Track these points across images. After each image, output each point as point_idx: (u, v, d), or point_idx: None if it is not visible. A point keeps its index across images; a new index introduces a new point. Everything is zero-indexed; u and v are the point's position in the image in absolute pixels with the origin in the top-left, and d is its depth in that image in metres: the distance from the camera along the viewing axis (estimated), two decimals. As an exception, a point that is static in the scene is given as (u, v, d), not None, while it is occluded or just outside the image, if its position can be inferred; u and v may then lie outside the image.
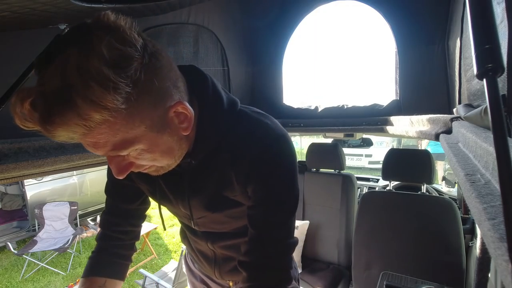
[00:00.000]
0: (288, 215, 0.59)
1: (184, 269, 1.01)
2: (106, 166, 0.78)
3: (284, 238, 0.58)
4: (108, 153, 0.45)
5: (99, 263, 0.72)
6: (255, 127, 0.58)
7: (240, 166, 0.57)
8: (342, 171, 2.12)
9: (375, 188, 2.83)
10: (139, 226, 0.79)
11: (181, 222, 0.80)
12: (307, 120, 1.62)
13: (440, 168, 5.85)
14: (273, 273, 0.58)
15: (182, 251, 2.28)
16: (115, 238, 0.73)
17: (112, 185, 0.74)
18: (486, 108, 0.54)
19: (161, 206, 0.72)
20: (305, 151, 2.36)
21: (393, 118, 1.35)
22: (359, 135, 2.31)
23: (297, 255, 2.10)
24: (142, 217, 0.79)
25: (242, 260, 0.60)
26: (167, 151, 0.50)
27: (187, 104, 0.49)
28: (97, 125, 0.39)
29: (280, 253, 0.59)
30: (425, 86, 1.35)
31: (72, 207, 4.11)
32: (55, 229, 3.98)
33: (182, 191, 0.64)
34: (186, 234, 0.82)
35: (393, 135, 1.54)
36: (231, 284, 0.87)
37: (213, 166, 0.59)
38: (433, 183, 1.97)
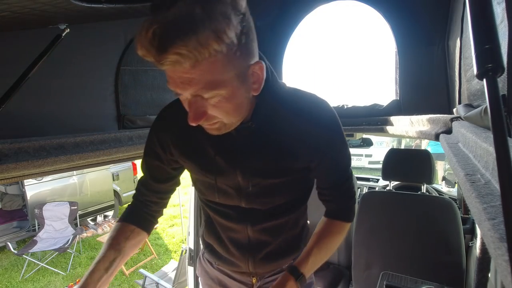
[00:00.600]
0: (350, 165, 0.77)
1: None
2: (106, 166, 0.79)
3: (351, 179, 0.77)
4: (196, 92, 0.49)
5: (132, 214, 0.81)
6: (309, 98, 0.67)
7: (309, 134, 0.65)
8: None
9: (375, 188, 2.82)
10: (167, 199, 0.84)
11: (215, 212, 0.80)
12: (307, 120, 1.62)
13: (440, 168, 5.85)
14: (352, 198, 0.80)
15: (182, 251, 2.28)
16: (144, 204, 0.81)
17: (145, 163, 0.79)
18: (486, 108, 0.54)
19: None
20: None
21: (393, 118, 1.35)
22: (359, 135, 2.31)
23: (297, 255, 2.10)
24: (170, 192, 0.84)
25: (327, 197, 0.79)
26: (238, 106, 0.56)
27: (264, 65, 0.55)
28: (207, 56, 0.44)
29: (352, 187, 0.79)
30: (425, 86, 1.35)
31: (72, 207, 4.11)
32: (55, 229, 3.98)
33: (240, 156, 0.67)
34: (217, 226, 0.82)
35: (393, 135, 1.54)
36: (254, 281, 0.87)
37: (273, 132, 0.65)
38: (433, 183, 1.97)
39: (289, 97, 0.66)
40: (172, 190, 0.84)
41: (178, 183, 0.84)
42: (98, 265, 0.70)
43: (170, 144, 0.73)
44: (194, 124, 0.53)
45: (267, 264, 0.82)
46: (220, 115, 0.55)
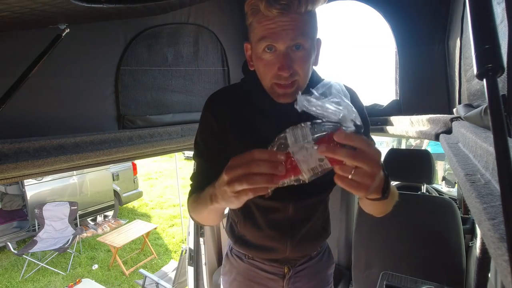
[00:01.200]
0: None
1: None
2: (106, 166, 0.78)
3: None
4: (294, 38, 0.60)
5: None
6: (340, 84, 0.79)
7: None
8: (342, 171, 2.12)
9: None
10: None
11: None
12: (307, 120, 1.62)
13: (440, 168, 5.85)
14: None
15: (182, 251, 2.28)
16: None
17: (206, 146, 0.78)
18: (486, 108, 0.54)
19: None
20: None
21: (393, 118, 1.35)
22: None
23: (297, 255, 2.10)
24: None
25: None
26: (310, 68, 0.66)
27: (321, 42, 0.68)
28: (313, 11, 0.61)
29: None
30: (425, 86, 1.35)
31: (72, 207, 4.11)
32: (55, 229, 3.98)
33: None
34: (255, 210, 0.82)
35: (393, 135, 1.54)
36: (286, 270, 0.88)
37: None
38: (433, 183, 1.97)
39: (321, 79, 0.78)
40: None
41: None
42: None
43: (226, 121, 0.75)
44: (286, 75, 0.62)
45: (302, 246, 0.86)
46: (301, 70, 0.64)
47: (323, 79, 0.78)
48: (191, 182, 0.80)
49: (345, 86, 0.68)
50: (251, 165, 0.45)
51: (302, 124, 0.48)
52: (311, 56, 0.65)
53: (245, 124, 0.75)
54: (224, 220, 1.27)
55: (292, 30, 0.59)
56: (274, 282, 0.90)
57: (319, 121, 0.48)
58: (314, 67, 0.73)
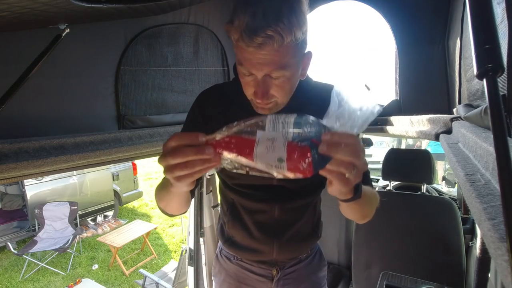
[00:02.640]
0: None
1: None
2: (106, 166, 0.78)
3: None
4: (270, 71, 0.59)
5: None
6: (330, 87, 0.75)
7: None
8: (342, 171, 2.12)
9: (375, 188, 2.82)
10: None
11: (242, 196, 0.81)
12: (307, 120, 1.62)
13: (440, 168, 5.85)
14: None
15: (182, 251, 2.28)
16: None
17: None
18: (486, 108, 0.54)
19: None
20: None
21: (393, 118, 1.35)
22: (359, 135, 2.31)
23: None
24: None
25: None
26: (292, 87, 0.66)
27: (312, 55, 0.66)
28: (289, 42, 0.55)
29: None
30: (425, 86, 1.35)
31: (72, 207, 4.11)
32: (55, 229, 3.98)
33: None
34: (242, 211, 0.83)
35: (393, 135, 1.54)
36: (274, 272, 0.88)
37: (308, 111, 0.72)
38: (433, 183, 1.97)
39: (315, 85, 0.78)
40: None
41: None
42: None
43: (214, 118, 0.76)
44: (260, 101, 0.63)
45: (290, 248, 0.85)
46: (278, 94, 0.64)
47: (317, 83, 0.78)
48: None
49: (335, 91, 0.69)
50: (176, 153, 0.44)
51: (289, 114, 0.45)
52: (292, 79, 0.64)
53: (231, 122, 0.74)
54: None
55: (267, 65, 0.58)
56: (263, 284, 0.90)
57: (308, 117, 0.44)
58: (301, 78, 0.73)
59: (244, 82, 0.65)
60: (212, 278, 1.01)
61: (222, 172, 0.85)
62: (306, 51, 0.64)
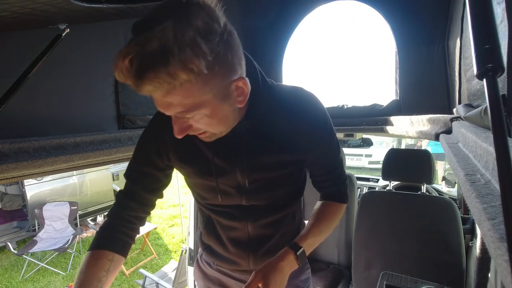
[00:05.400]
0: (339, 151, 0.81)
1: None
2: (106, 166, 0.79)
3: (342, 163, 0.84)
4: (176, 114, 0.53)
5: (109, 239, 0.72)
6: (299, 93, 0.71)
7: (304, 126, 0.69)
8: (342, 171, 2.12)
9: (375, 188, 2.82)
10: (149, 214, 0.80)
11: (214, 213, 0.80)
12: (307, 120, 1.62)
13: (440, 168, 5.85)
14: (345, 181, 0.85)
15: (182, 251, 2.28)
16: (127, 220, 0.74)
17: (136, 172, 0.75)
18: (486, 108, 0.54)
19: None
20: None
21: (393, 118, 1.35)
22: (359, 135, 2.31)
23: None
24: (154, 206, 0.80)
25: (323, 183, 0.83)
26: (223, 119, 0.59)
27: (247, 80, 0.57)
28: (179, 85, 0.46)
29: (344, 172, 0.85)
30: (425, 86, 1.35)
31: (72, 207, 4.11)
32: (55, 229, 3.98)
33: (238, 155, 0.69)
34: (217, 226, 0.83)
35: (393, 135, 1.54)
36: None
37: (269, 128, 0.68)
38: (433, 183, 1.97)
39: (281, 93, 0.70)
40: (155, 204, 0.80)
41: (162, 195, 0.81)
42: None
43: (168, 149, 0.72)
44: (179, 137, 0.56)
45: (266, 261, 0.82)
46: (205, 128, 0.58)
47: (284, 86, 0.73)
48: (116, 201, 0.76)
49: (295, 105, 0.68)
50: None
51: None
52: (216, 113, 0.55)
53: (186, 149, 0.71)
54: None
55: (170, 109, 0.51)
56: None
57: None
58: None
59: None
60: (195, 281, 1.00)
61: (193, 189, 0.82)
62: (235, 76, 0.54)
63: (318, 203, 0.86)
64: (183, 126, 0.56)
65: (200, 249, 0.95)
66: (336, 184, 0.84)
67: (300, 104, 0.70)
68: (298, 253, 0.73)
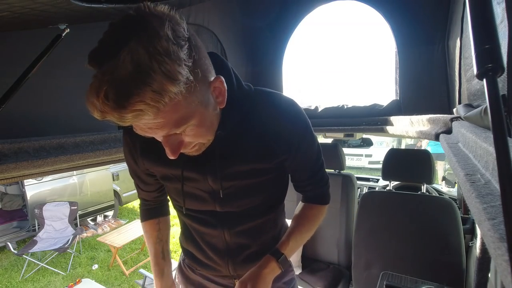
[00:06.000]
0: (321, 154, 0.80)
1: (177, 280, 0.97)
2: (106, 166, 0.79)
3: (323, 166, 0.82)
4: (167, 133, 0.50)
5: (148, 211, 0.90)
6: (275, 97, 0.69)
7: (280, 131, 0.66)
8: (342, 171, 2.12)
9: (375, 188, 2.82)
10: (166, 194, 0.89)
11: (189, 218, 0.79)
12: (307, 120, 1.62)
13: (440, 168, 5.86)
14: (327, 183, 0.84)
15: (182, 251, 2.27)
16: (151, 199, 0.90)
17: (131, 171, 0.83)
18: (486, 108, 0.54)
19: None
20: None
21: (393, 118, 1.35)
22: (359, 135, 2.31)
23: (297, 255, 2.10)
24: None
25: (305, 187, 0.82)
26: (210, 126, 0.57)
27: (222, 78, 0.54)
28: (168, 100, 0.43)
29: (326, 174, 0.83)
30: (425, 86, 1.35)
31: (72, 207, 4.11)
32: (55, 229, 3.98)
33: (209, 162, 0.67)
34: (193, 232, 0.82)
35: (393, 135, 1.54)
36: (235, 282, 0.85)
37: (243, 135, 0.66)
38: (433, 183, 1.97)
39: (256, 98, 0.68)
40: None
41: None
42: (157, 261, 0.88)
43: (139, 155, 0.73)
44: (174, 157, 0.54)
45: (247, 267, 0.80)
46: (196, 139, 0.56)
47: (258, 94, 0.70)
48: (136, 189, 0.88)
49: (272, 111, 0.66)
50: None
51: None
52: (204, 121, 0.54)
53: (156, 151, 0.68)
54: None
55: (157, 129, 0.48)
56: None
57: None
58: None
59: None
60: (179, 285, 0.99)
61: (169, 195, 0.82)
62: (211, 78, 0.53)
63: (300, 205, 0.86)
64: (175, 144, 0.53)
65: (182, 253, 0.95)
66: (318, 187, 0.82)
67: (279, 109, 0.67)
68: (279, 260, 0.73)
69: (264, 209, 0.77)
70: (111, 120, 0.43)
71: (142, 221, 0.91)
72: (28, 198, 4.09)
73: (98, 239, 3.93)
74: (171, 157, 0.53)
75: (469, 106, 0.79)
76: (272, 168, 0.70)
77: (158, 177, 0.77)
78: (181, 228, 0.88)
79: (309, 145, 0.73)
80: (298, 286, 1.02)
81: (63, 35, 0.79)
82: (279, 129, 0.66)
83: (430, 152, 1.74)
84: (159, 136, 0.51)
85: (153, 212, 0.90)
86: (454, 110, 1.06)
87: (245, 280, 0.70)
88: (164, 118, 0.46)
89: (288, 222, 0.87)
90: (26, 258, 3.56)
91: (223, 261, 0.80)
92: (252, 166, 0.68)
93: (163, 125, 0.47)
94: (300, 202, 0.87)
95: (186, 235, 0.85)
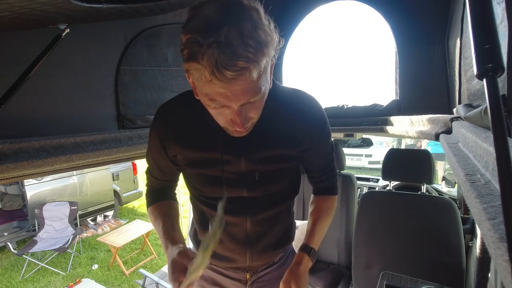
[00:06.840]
0: (334, 148, 0.87)
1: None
2: (106, 166, 0.79)
3: (334, 159, 0.90)
4: (248, 100, 0.54)
5: (154, 196, 0.88)
6: (299, 93, 0.76)
7: (304, 122, 0.73)
8: (342, 171, 2.12)
9: (375, 188, 2.82)
10: (178, 176, 0.89)
11: (212, 207, 0.79)
12: (307, 120, 1.62)
13: (440, 168, 5.86)
14: (336, 175, 0.92)
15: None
16: (159, 186, 0.89)
17: (152, 161, 0.83)
18: (486, 108, 0.54)
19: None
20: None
21: (393, 118, 1.35)
22: (359, 135, 2.31)
23: (297, 255, 2.10)
24: (179, 173, 0.88)
25: (319, 178, 0.89)
26: (263, 103, 0.61)
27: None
28: (266, 66, 0.52)
29: (335, 167, 0.91)
30: (425, 86, 1.35)
31: (72, 207, 4.11)
32: (55, 229, 3.98)
33: (242, 146, 0.71)
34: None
35: (393, 135, 1.54)
36: (248, 276, 0.88)
37: (272, 122, 0.71)
38: (433, 183, 1.97)
39: (283, 94, 0.74)
40: (179, 171, 0.87)
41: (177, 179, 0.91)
42: (167, 231, 0.78)
43: (172, 140, 0.74)
44: (243, 130, 0.60)
45: (263, 256, 0.85)
46: (255, 114, 0.61)
47: (284, 88, 0.77)
48: (146, 176, 0.88)
49: (298, 105, 0.73)
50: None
51: None
52: (265, 94, 0.59)
53: (191, 136, 0.72)
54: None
55: (244, 95, 0.53)
56: (237, 287, 0.90)
57: None
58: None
59: (215, 113, 0.59)
60: None
61: (190, 182, 0.83)
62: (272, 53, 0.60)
63: (314, 200, 0.93)
64: (247, 117, 0.58)
65: (193, 247, 0.95)
66: (329, 178, 0.90)
67: (302, 105, 0.74)
68: (311, 254, 0.83)
69: (283, 197, 0.83)
70: (212, 80, 0.49)
71: (149, 205, 0.87)
72: (28, 198, 4.09)
73: (98, 239, 3.93)
74: (241, 129, 0.58)
75: (469, 106, 0.79)
76: (295, 156, 0.77)
77: (187, 163, 0.77)
78: (197, 220, 0.87)
79: (327, 140, 0.81)
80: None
81: (63, 35, 0.79)
82: (301, 123, 0.73)
83: (430, 152, 1.74)
84: (236, 105, 0.55)
85: (161, 196, 0.88)
86: (454, 110, 1.06)
87: (287, 279, 0.77)
88: (258, 81, 0.52)
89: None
90: (26, 258, 3.55)
91: (241, 250, 0.82)
92: (281, 152, 0.74)
93: (250, 90, 0.53)
94: (312, 196, 0.94)
95: (203, 226, 0.85)
